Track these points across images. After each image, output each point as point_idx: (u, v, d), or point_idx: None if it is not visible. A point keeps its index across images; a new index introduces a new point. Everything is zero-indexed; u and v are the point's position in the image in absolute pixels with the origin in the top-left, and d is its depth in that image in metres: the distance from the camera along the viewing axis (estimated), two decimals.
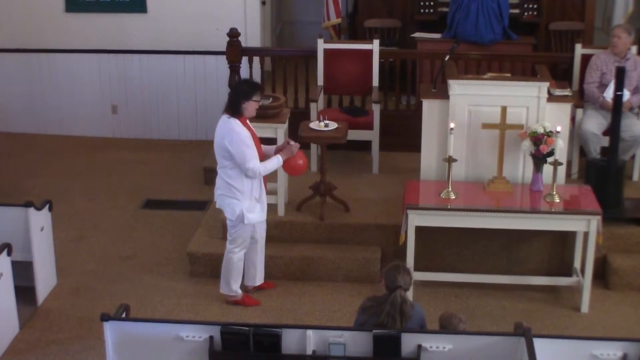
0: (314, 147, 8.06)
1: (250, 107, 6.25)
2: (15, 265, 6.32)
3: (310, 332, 4.74)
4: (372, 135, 8.13)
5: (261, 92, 6.41)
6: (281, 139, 7.08)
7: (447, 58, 7.35)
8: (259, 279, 6.87)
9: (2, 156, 9.70)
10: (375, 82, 8.45)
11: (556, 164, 6.60)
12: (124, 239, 7.87)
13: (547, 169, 6.68)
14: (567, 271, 7.05)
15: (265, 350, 4.76)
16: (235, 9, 9.82)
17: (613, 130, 7.05)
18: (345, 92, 8.74)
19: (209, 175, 8.90)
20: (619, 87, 6.89)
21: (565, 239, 7.07)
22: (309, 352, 4.75)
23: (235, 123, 6.23)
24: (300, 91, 8.76)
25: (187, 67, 10.04)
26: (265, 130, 7.09)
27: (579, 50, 8.11)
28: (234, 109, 6.24)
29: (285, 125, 7.25)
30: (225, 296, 6.75)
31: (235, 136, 6.19)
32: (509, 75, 7.52)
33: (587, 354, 4.69)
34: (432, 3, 9.55)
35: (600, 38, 10.07)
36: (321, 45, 8.44)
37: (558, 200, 6.57)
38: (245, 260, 6.71)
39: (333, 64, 8.47)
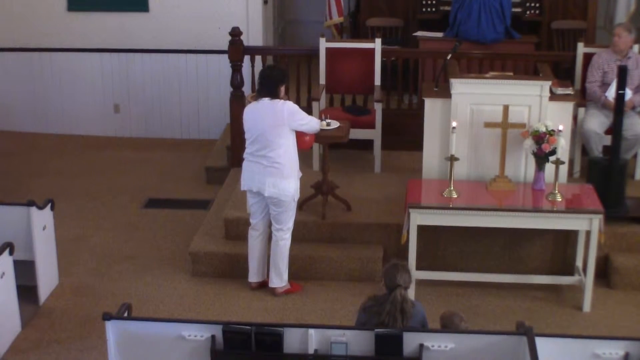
0: (316, 146, 8.06)
1: (283, 89, 6.59)
2: (17, 264, 6.32)
3: (312, 331, 4.74)
4: (374, 134, 8.13)
5: None
6: None
7: (449, 57, 7.35)
8: (263, 274, 6.91)
9: (4, 155, 9.72)
10: (378, 81, 8.45)
11: (558, 162, 6.59)
12: (126, 238, 7.88)
13: (549, 167, 6.67)
14: (569, 270, 7.05)
15: (267, 349, 4.76)
16: (237, 8, 9.83)
17: (615, 129, 7.04)
18: (347, 91, 8.73)
19: (211, 174, 8.93)
20: (621, 86, 6.89)
21: (567, 238, 7.06)
22: (311, 351, 4.75)
23: (287, 101, 6.57)
24: (302, 90, 8.76)
25: (189, 66, 10.05)
26: None
27: (581, 49, 8.11)
28: (273, 93, 6.52)
29: None
30: (275, 290, 6.83)
31: (297, 110, 6.55)
32: (511, 74, 7.51)
33: (589, 353, 4.69)
34: (434, 2, 9.55)
35: (602, 37, 10.06)
36: (323, 44, 8.44)
37: (560, 199, 6.57)
38: (257, 255, 6.82)
39: (335, 63, 8.47)
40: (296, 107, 6.58)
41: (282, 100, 6.52)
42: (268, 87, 6.52)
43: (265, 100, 6.51)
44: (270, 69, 6.78)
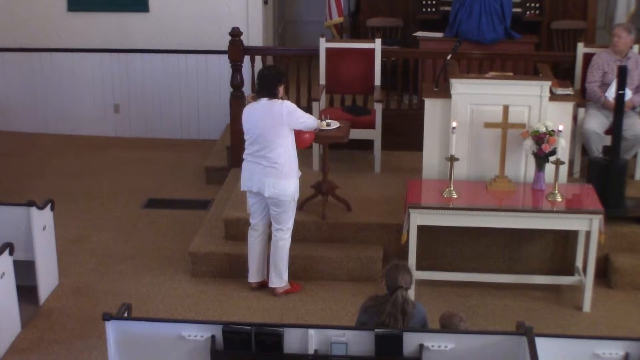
0: (316, 146, 8.06)
1: (282, 89, 6.59)
2: (17, 264, 6.32)
3: (312, 332, 4.74)
4: (374, 135, 8.13)
5: None
6: None
7: (449, 57, 7.35)
8: (262, 274, 6.91)
9: (4, 155, 9.72)
10: (378, 81, 8.45)
11: (558, 163, 6.59)
12: (126, 239, 7.88)
13: (549, 168, 6.67)
14: (569, 270, 7.05)
15: (267, 349, 4.76)
16: (237, 8, 9.83)
17: (615, 129, 7.04)
18: (347, 91, 8.74)
19: (211, 174, 8.93)
20: (621, 86, 6.89)
21: (567, 238, 7.06)
22: (311, 351, 4.75)
23: (285, 101, 6.58)
24: (302, 90, 8.76)
25: (189, 66, 10.05)
26: None
27: (581, 49, 8.10)
28: (272, 93, 6.52)
29: None
30: (274, 290, 6.84)
31: (295, 109, 6.55)
32: (511, 74, 7.51)
33: (589, 353, 4.69)
34: (434, 2, 9.56)
35: (602, 37, 10.07)
36: (323, 45, 8.44)
37: (560, 199, 6.57)
38: (257, 255, 6.83)
39: (335, 63, 8.47)
40: (294, 106, 6.58)
41: (280, 100, 6.52)
42: (266, 87, 6.52)
43: (264, 101, 6.51)
44: (267, 69, 6.80)
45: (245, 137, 6.62)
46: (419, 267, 6.71)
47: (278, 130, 6.47)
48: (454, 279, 6.96)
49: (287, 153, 6.53)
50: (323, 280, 7.10)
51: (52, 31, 10.07)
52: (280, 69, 6.81)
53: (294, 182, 6.63)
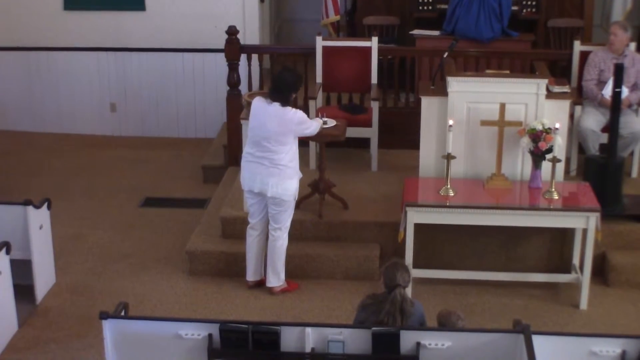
0: (312, 145, 8.06)
1: (295, 95, 6.61)
2: (14, 263, 6.31)
3: (309, 330, 4.74)
4: (371, 133, 8.13)
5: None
6: None
7: (445, 55, 7.35)
8: (260, 273, 6.91)
9: (0, 154, 9.70)
10: (374, 79, 8.45)
11: (555, 160, 6.59)
12: (123, 237, 7.87)
13: (546, 165, 6.68)
14: (566, 268, 7.05)
15: (264, 348, 4.76)
16: (234, 7, 9.83)
17: (612, 127, 7.04)
18: (344, 90, 8.73)
19: (208, 173, 8.93)
20: (618, 84, 6.89)
21: (564, 236, 7.07)
22: (308, 349, 4.75)
23: (298, 111, 6.55)
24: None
25: (186, 65, 10.04)
26: None
27: (578, 47, 8.11)
28: (286, 99, 6.48)
29: None
30: (272, 289, 6.84)
31: (305, 119, 6.54)
32: (507, 72, 7.52)
33: (586, 351, 4.69)
34: (430, 0, 9.55)
35: (599, 35, 10.07)
36: (320, 43, 8.44)
37: (557, 197, 6.57)
38: (255, 254, 6.83)
39: (332, 62, 8.47)
40: (305, 116, 6.55)
41: (293, 109, 6.48)
42: (281, 92, 6.46)
43: (276, 105, 6.44)
44: (288, 72, 6.64)
45: (250, 134, 6.57)
46: (416, 265, 6.72)
47: (285, 138, 6.45)
48: (451, 277, 6.96)
49: (290, 155, 6.52)
50: (320, 279, 7.10)
51: (48, 30, 10.05)
52: (299, 74, 6.68)
53: (296, 182, 6.63)
